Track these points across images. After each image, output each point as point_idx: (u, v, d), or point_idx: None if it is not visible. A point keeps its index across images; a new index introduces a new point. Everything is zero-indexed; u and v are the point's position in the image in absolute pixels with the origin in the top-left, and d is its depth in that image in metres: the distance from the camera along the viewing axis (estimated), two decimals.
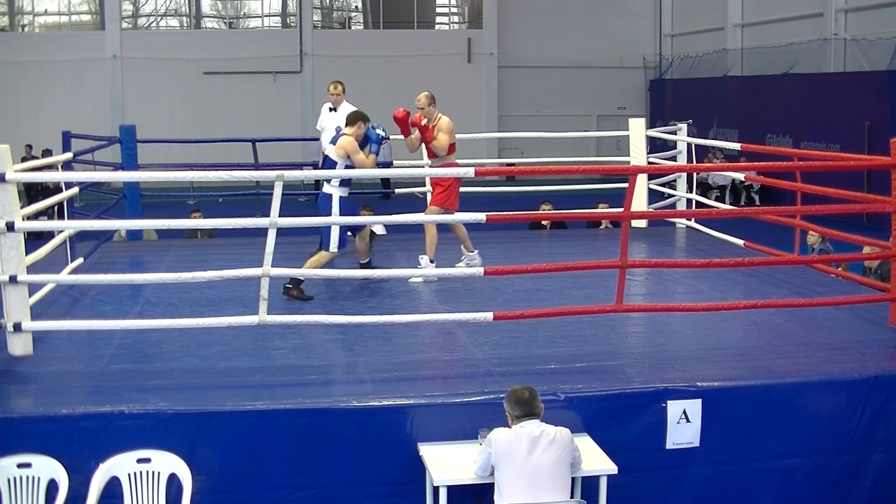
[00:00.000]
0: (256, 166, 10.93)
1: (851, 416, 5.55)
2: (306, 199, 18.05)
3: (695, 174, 14.38)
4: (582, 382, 5.44)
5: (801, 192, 7.76)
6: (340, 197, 7.56)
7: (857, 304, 6.95)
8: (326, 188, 7.56)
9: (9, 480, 4.86)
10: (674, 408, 5.35)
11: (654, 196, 10.89)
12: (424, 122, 8.15)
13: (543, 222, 11.90)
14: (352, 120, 7.76)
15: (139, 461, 4.93)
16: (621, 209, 6.19)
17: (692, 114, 22.32)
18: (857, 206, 7.54)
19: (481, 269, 6.23)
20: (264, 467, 5.10)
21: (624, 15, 30.38)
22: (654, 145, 12.65)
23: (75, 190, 8.55)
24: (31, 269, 5.80)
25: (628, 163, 10.30)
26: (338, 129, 8.55)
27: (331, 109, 9.21)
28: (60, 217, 9.61)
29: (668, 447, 5.37)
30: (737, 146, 9.93)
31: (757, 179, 14.81)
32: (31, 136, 25.04)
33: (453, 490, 4.91)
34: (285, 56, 29.04)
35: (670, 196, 10.74)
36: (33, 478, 4.88)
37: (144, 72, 28.39)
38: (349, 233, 7.93)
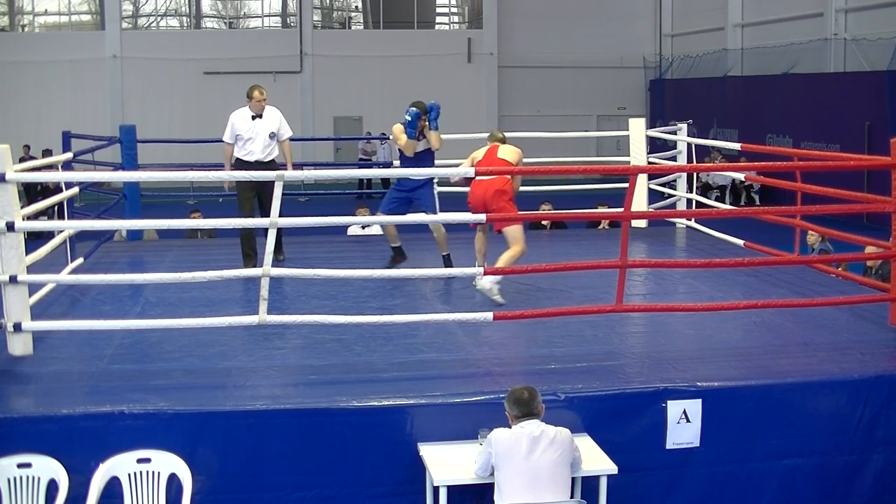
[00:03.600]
0: None
1: (851, 416, 5.54)
2: (306, 198, 18.09)
3: (695, 174, 14.40)
4: (582, 382, 5.44)
5: (801, 192, 7.76)
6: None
7: (857, 304, 6.95)
8: None
9: (9, 480, 4.86)
10: (674, 408, 5.35)
11: (654, 196, 10.89)
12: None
13: (543, 222, 11.90)
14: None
15: (139, 461, 4.93)
16: (621, 209, 6.19)
17: (692, 114, 22.33)
18: (857, 206, 7.54)
19: (481, 269, 6.23)
20: (264, 467, 5.10)
21: (624, 15, 30.40)
22: (654, 145, 12.65)
23: (75, 190, 8.55)
24: (31, 269, 5.79)
25: (628, 163, 10.30)
26: (272, 136, 8.54)
27: (254, 117, 8.55)
28: (60, 217, 9.60)
29: (668, 447, 5.37)
30: (737, 146, 9.93)
31: (757, 179, 14.81)
32: (31, 136, 25.06)
33: (453, 490, 4.91)
34: (285, 56, 29.05)
35: (670, 196, 10.74)
36: (33, 478, 4.88)
37: (144, 72, 28.41)
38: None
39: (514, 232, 7.31)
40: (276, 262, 8.33)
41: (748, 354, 6.02)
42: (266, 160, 8.57)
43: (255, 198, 8.42)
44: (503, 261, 7.17)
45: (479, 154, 7.71)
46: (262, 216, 7.60)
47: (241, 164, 8.55)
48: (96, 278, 6.87)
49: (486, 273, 6.27)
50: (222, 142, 8.74)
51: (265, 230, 5.77)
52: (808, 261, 8.40)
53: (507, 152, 7.58)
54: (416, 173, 7.78)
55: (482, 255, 7.71)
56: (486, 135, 8.16)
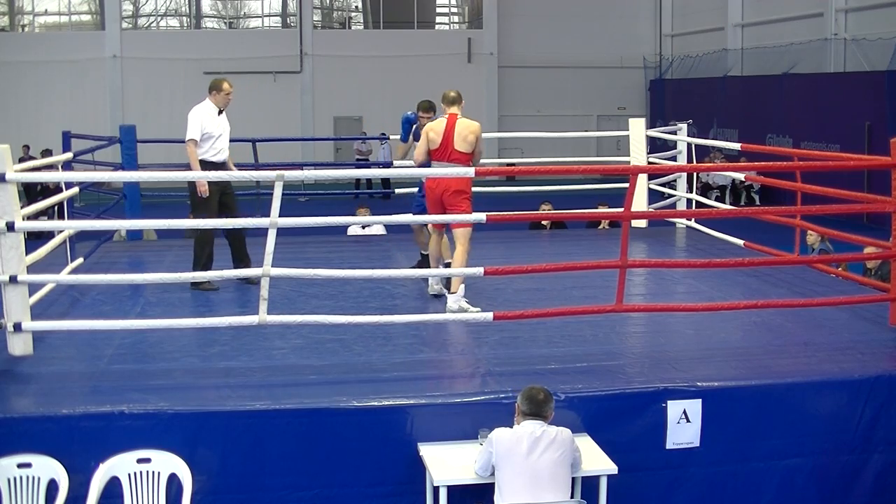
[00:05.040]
0: (256, 166, 10.94)
1: (851, 417, 5.55)
2: (306, 198, 18.08)
3: (695, 174, 14.39)
4: (582, 382, 5.44)
5: (802, 192, 7.76)
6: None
7: (857, 304, 6.95)
8: None
9: (9, 480, 4.86)
10: (674, 408, 5.35)
11: (654, 196, 10.89)
12: None
13: (543, 222, 11.90)
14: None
15: (139, 461, 4.94)
16: (621, 209, 6.19)
17: (692, 114, 22.35)
18: (857, 206, 7.54)
19: (481, 269, 6.22)
20: (264, 467, 5.10)
21: (624, 15, 30.42)
22: (654, 145, 12.66)
23: (75, 190, 8.55)
24: (31, 269, 5.79)
25: (628, 163, 10.30)
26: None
27: (220, 112, 7.83)
28: (60, 217, 9.59)
29: (668, 447, 5.38)
30: (737, 146, 9.94)
31: (757, 179, 14.81)
32: (31, 136, 25.05)
33: (453, 490, 4.91)
34: (285, 56, 29.05)
35: (670, 196, 10.74)
36: (33, 478, 4.88)
37: (144, 72, 28.41)
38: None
39: (466, 232, 7.03)
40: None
41: (748, 354, 6.02)
42: (224, 160, 7.87)
43: (218, 201, 7.73)
44: (458, 262, 6.98)
45: (437, 129, 7.18)
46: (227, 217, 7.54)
47: (206, 166, 7.73)
48: (96, 278, 6.87)
49: (486, 273, 6.25)
50: (190, 141, 7.77)
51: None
52: (808, 261, 8.40)
53: (468, 139, 7.11)
54: (413, 174, 7.76)
55: (436, 261, 7.42)
56: (483, 135, 7.93)
